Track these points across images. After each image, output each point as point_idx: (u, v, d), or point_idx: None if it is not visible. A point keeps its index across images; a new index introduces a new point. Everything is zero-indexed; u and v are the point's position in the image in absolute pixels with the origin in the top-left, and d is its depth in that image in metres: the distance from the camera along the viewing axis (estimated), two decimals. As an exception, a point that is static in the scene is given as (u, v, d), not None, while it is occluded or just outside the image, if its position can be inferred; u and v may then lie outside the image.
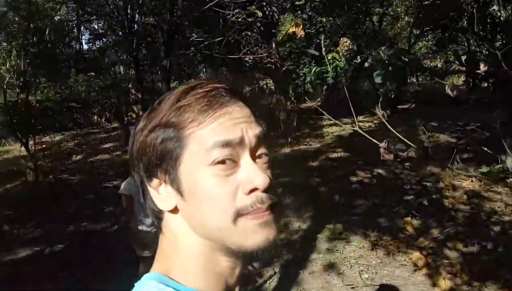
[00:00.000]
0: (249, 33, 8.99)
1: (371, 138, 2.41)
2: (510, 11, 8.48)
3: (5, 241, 4.24)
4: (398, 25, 14.67)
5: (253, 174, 0.47)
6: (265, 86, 9.45)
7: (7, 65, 6.67)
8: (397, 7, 13.14)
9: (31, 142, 6.18)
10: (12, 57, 6.85)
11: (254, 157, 0.50)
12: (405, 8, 12.80)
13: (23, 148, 6.23)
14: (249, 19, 6.43)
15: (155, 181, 0.51)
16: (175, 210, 0.51)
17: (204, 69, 19.73)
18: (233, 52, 7.52)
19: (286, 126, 8.61)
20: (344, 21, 10.75)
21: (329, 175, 5.79)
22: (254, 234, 0.47)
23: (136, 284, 0.49)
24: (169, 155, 0.49)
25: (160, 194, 0.51)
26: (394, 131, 2.45)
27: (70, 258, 3.84)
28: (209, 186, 0.47)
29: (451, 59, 13.12)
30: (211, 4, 5.71)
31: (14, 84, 6.82)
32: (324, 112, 2.86)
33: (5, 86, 6.86)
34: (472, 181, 4.85)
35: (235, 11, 6.13)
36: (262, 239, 0.47)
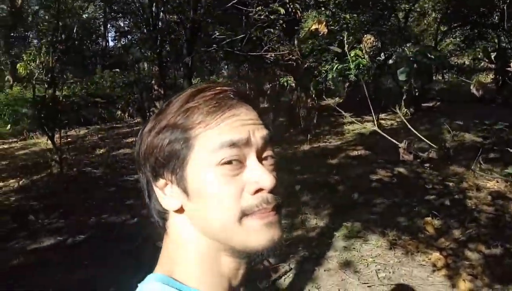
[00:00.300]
0: (271, 30, 8.97)
1: (390, 138, 2.37)
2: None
3: (30, 230, 4.41)
4: (425, 21, 14.28)
5: (259, 174, 0.48)
6: (285, 83, 9.43)
7: (37, 61, 6.93)
8: (424, 3, 12.80)
9: (57, 136, 6.40)
10: (41, 54, 7.11)
11: (260, 159, 0.51)
12: (432, 4, 12.45)
13: (49, 141, 6.46)
14: (272, 17, 6.43)
15: (161, 181, 0.51)
16: (180, 210, 0.51)
17: (226, 66, 19.86)
18: (255, 50, 7.54)
19: (306, 123, 8.56)
20: (368, 17, 10.57)
21: (349, 173, 5.72)
22: (259, 233, 0.48)
23: (139, 285, 0.50)
24: (176, 155, 0.49)
25: (166, 194, 0.52)
26: (414, 131, 2.39)
27: (91, 248, 3.97)
28: (216, 186, 0.48)
29: (479, 56, 12.68)
30: (234, 1, 5.74)
31: (43, 80, 7.08)
32: (342, 111, 2.84)
33: (34, 82, 7.12)
34: (497, 182, 4.68)
35: (257, 8, 6.14)
36: (267, 239, 0.48)
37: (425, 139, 2.41)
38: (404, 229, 3.96)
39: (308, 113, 8.66)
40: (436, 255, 3.43)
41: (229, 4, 5.87)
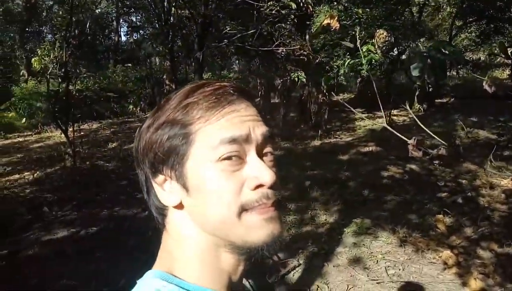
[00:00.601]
0: (283, 25, 8.94)
1: (398, 134, 2.34)
2: None
3: (44, 222, 4.51)
4: (439, 16, 14.03)
5: (260, 170, 0.49)
6: (296, 78, 9.38)
7: (51, 56, 7.04)
8: (439, -2, 12.57)
9: (70, 129, 6.51)
10: (55, 48, 7.22)
11: (260, 155, 0.51)
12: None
13: (63, 135, 6.57)
14: (283, 11, 6.40)
15: (160, 177, 0.51)
16: (179, 206, 0.51)
17: (237, 61, 19.86)
18: (266, 45, 7.52)
19: (317, 119, 8.52)
20: (381, 12, 10.42)
21: (359, 169, 5.68)
22: (259, 228, 0.48)
23: (138, 281, 0.50)
24: (176, 151, 0.49)
25: (165, 190, 0.52)
26: (424, 127, 2.36)
27: (103, 240, 4.04)
28: (216, 181, 0.48)
29: (496, 51, 12.42)
30: None
31: (57, 74, 7.19)
32: (350, 107, 2.81)
33: (48, 76, 7.24)
34: (511, 180, 4.59)
35: (269, 3, 6.11)
36: (267, 234, 0.48)
37: (434, 136, 2.39)
38: (414, 226, 3.93)
39: (319, 108, 8.61)
40: (447, 253, 3.39)
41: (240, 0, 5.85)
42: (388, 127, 2.33)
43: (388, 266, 3.39)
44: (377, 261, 3.49)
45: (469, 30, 13.03)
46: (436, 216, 3.96)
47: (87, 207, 4.88)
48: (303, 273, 3.40)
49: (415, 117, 2.49)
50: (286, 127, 8.53)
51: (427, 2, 11.58)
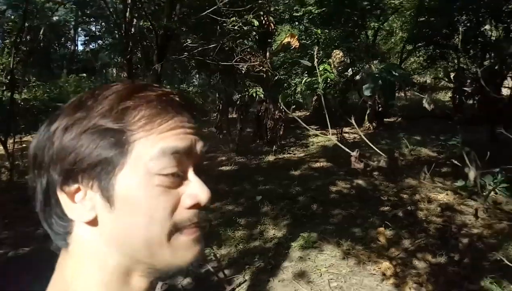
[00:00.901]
0: (245, 41, 9.11)
1: (344, 147, 2.46)
2: (501, 31, 8.70)
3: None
4: (392, 40, 14.92)
5: (199, 188, 0.46)
6: (255, 94, 9.52)
7: (-2, 62, 6.68)
8: (393, 22, 13.39)
9: (10, 141, 6.12)
10: (3, 54, 6.85)
11: (196, 171, 0.47)
12: (400, 24, 13.04)
13: (1, 146, 6.17)
14: (245, 28, 6.51)
15: (72, 187, 0.44)
16: (92, 222, 0.44)
17: (197, 75, 19.84)
18: (227, 60, 7.59)
19: (272, 135, 8.67)
20: (339, 34, 10.93)
21: (310, 184, 5.82)
22: (187, 250, 0.45)
23: None
24: (105, 161, 0.43)
25: (76, 202, 0.44)
26: (369, 143, 2.51)
27: (33, 262, 3.79)
28: (150, 196, 0.43)
29: (440, 75, 13.37)
30: (209, 11, 5.76)
31: (3, 81, 6.81)
32: (303, 123, 2.92)
33: (-7, 84, 6.84)
34: (447, 194, 4.92)
35: (232, 19, 6.21)
36: (194, 255, 0.46)
37: (377, 150, 2.55)
38: (358, 239, 4.07)
39: (275, 125, 8.78)
40: (386, 264, 3.54)
41: (204, 13, 5.89)
42: (338, 143, 2.45)
43: (331, 279, 3.48)
44: (321, 274, 3.57)
45: (418, 55, 13.93)
46: (378, 229, 4.13)
47: (22, 225, 4.58)
48: (248, 289, 3.40)
49: (361, 134, 2.65)
50: (242, 142, 8.59)
51: (381, 27, 12.29)
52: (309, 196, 5.33)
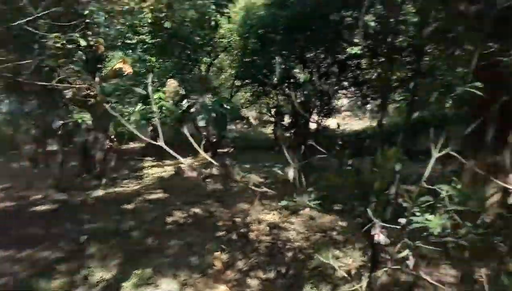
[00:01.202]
0: (71, 64, 8.17)
1: (175, 154, 2.41)
2: (307, 75, 10.46)
3: None
4: (223, 76, 16.04)
5: None
6: (80, 120, 8.58)
7: None
8: (223, 60, 14.42)
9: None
10: None
11: None
12: (229, 62, 14.16)
13: None
14: (70, 46, 5.81)
15: None
16: None
17: (7, 100, 16.61)
18: (47, 80, 6.59)
19: (101, 167, 7.88)
20: (174, 64, 11.05)
21: (144, 217, 5.46)
22: None
23: None
24: None
25: None
26: (200, 151, 2.55)
27: None
28: None
29: (263, 110, 15.07)
30: (21, 21, 4.86)
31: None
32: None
33: None
34: (273, 214, 5.39)
35: (54, 34, 5.44)
36: None
37: (208, 157, 2.63)
38: (195, 267, 3.97)
39: (105, 156, 8.03)
40: (222, 288, 3.55)
41: (16, 23, 4.94)
42: (167, 149, 2.35)
43: (166, 315, 3.25)
44: (155, 312, 3.30)
45: (245, 91, 15.36)
46: (214, 254, 4.14)
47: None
48: None
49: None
50: (64, 177, 7.48)
51: (213, 62, 13.11)
52: (144, 229, 4.97)
